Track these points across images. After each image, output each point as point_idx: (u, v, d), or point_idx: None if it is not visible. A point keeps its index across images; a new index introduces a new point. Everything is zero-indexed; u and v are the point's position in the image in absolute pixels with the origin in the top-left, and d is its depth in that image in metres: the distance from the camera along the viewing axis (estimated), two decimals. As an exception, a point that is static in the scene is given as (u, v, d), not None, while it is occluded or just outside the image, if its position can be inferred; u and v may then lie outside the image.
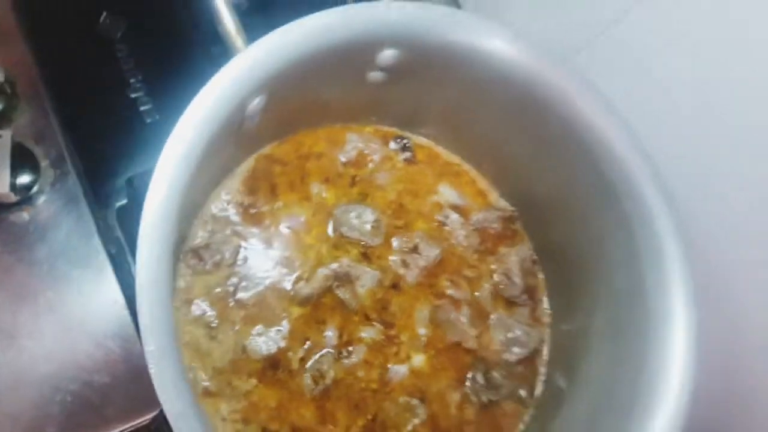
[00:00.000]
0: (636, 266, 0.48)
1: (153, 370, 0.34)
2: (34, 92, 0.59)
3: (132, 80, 0.63)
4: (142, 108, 0.63)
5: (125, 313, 0.55)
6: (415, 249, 0.56)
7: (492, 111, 0.54)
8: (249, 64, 0.41)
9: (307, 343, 0.51)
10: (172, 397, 0.34)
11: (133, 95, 0.63)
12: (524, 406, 0.55)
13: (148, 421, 0.50)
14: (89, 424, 0.50)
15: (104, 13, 0.63)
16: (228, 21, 0.43)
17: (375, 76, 0.51)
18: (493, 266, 0.58)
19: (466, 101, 0.55)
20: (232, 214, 0.53)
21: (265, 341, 0.50)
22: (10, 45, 0.59)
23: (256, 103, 0.44)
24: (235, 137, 0.48)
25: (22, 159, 0.56)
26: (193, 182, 0.42)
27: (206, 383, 0.49)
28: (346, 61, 0.47)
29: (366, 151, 0.58)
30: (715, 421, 0.56)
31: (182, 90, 0.67)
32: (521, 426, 0.54)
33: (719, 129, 0.53)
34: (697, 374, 0.44)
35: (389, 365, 0.53)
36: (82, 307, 0.53)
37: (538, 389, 0.56)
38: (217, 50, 0.64)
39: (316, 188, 0.56)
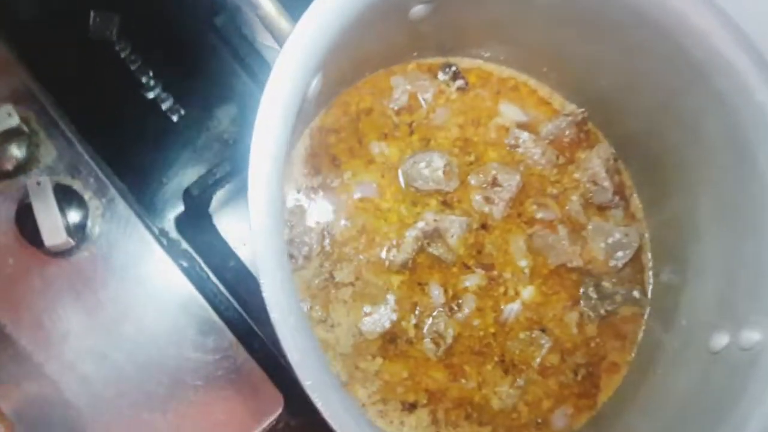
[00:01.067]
0: (740, 140, 0.45)
1: (320, 404, 0.32)
2: (50, 122, 0.54)
3: (144, 79, 0.58)
4: (164, 106, 0.58)
5: (220, 322, 0.53)
6: (494, 182, 0.53)
7: (543, 12, 0.49)
8: (306, 43, 0.36)
9: (417, 308, 0.50)
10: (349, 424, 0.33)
11: (150, 95, 0.58)
12: (641, 307, 0.54)
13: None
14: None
15: (92, 13, 0.56)
16: (267, 3, 0.37)
17: (418, 10, 0.45)
18: (576, 175, 0.55)
19: (512, 10, 0.49)
20: (305, 200, 0.50)
21: (377, 319, 0.49)
22: (11, 77, 0.53)
23: (315, 83, 0.40)
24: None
25: (66, 199, 0.52)
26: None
27: (339, 374, 0.48)
28: (390, 4, 0.42)
29: (416, 92, 0.54)
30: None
31: (199, 74, 0.62)
32: (643, 326, 0.54)
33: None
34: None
35: (501, 306, 0.51)
36: (174, 334, 0.51)
37: (650, 286, 0.55)
38: (220, 20, 0.58)
39: (376, 148, 0.52)
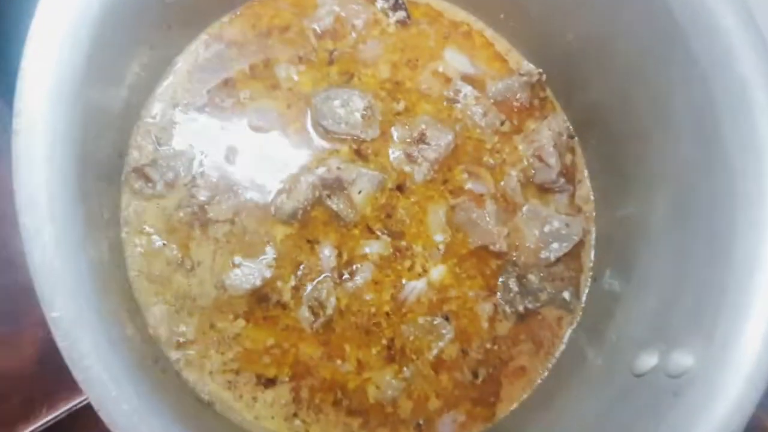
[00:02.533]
0: (710, 125, 0.36)
1: (63, 344, 0.24)
2: None
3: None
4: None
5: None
6: (421, 138, 0.44)
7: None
8: None
9: (300, 268, 0.42)
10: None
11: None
12: (569, 312, 0.46)
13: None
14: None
15: None
16: None
17: None
18: (520, 147, 0.47)
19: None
20: (182, 118, 0.41)
21: (247, 273, 0.40)
22: None
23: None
24: (161, 10, 0.36)
25: None
26: (97, 68, 0.30)
27: (185, 329, 0.40)
28: None
29: (345, 15, 0.45)
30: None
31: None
32: (566, 336, 0.45)
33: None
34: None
35: (403, 282, 0.43)
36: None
37: (586, 290, 0.47)
38: None
39: (284, 72, 0.43)
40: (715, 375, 0.32)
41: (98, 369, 0.29)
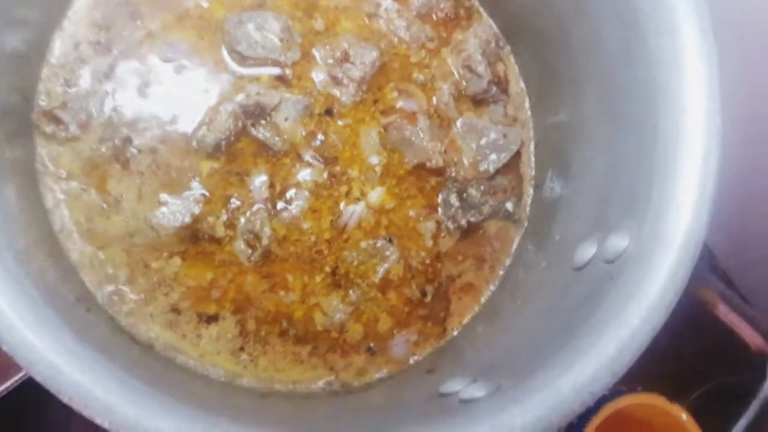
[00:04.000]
0: (627, 12, 0.35)
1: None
2: None
3: None
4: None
5: None
6: (345, 57, 0.43)
7: None
8: None
9: (231, 202, 0.40)
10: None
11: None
12: (514, 222, 0.45)
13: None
14: None
15: None
16: None
17: None
18: (449, 60, 0.45)
19: None
20: (90, 56, 0.39)
21: (173, 211, 0.39)
22: None
23: None
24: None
25: None
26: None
27: (116, 272, 0.38)
28: None
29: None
30: (744, 190, 0.47)
31: None
32: (513, 246, 0.45)
33: None
34: (722, 143, 0.34)
35: (341, 207, 0.42)
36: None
37: (528, 199, 0.46)
38: None
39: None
40: (648, 251, 0.32)
41: (13, 318, 0.28)
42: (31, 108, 0.38)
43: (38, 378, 0.28)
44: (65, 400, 0.28)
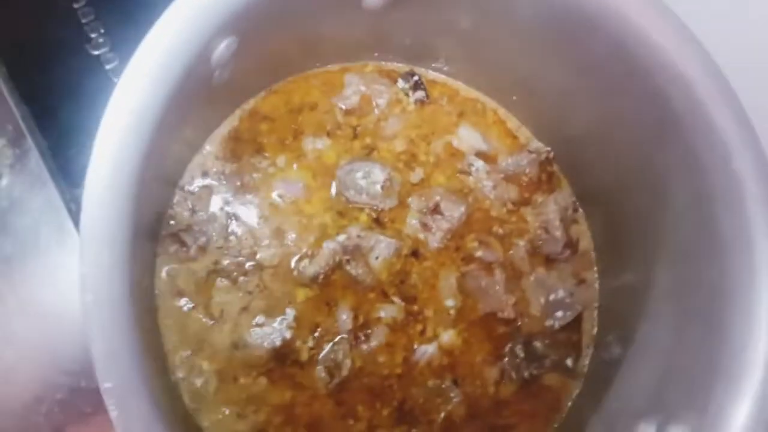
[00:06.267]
0: (707, 211, 0.39)
1: (115, 414, 0.27)
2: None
3: (93, 35, 0.54)
4: (107, 66, 0.54)
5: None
6: (436, 209, 0.48)
7: (518, 33, 0.44)
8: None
9: (318, 330, 0.44)
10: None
11: (95, 52, 0.54)
12: (571, 378, 0.48)
13: None
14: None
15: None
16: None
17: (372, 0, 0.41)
18: (528, 219, 0.50)
19: (485, 23, 0.45)
20: (215, 186, 0.45)
21: (268, 333, 0.43)
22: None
23: (225, 46, 0.35)
24: (207, 92, 0.39)
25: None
26: (154, 148, 0.33)
27: (209, 380, 0.42)
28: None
29: (370, 95, 0.49)
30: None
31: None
32: (569, 402, 0.47)
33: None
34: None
35: (414, 346, 0.46)
36: (60, 305, 0.47)
37: (587, 358, 0.49)
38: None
39: (311, 144, 0.47)
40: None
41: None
42: (160, 229, 0.43)
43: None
44: None
